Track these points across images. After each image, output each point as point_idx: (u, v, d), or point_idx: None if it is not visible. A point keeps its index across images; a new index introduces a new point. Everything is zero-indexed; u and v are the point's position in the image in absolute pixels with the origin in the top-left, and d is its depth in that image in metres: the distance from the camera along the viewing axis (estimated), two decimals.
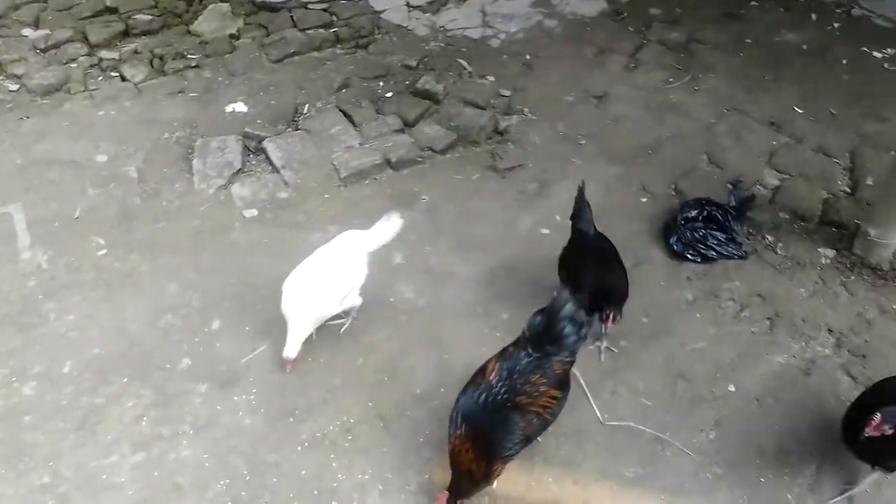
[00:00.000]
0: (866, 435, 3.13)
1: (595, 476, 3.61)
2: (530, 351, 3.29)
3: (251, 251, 4.58)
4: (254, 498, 3.47)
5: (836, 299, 4.44)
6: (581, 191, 4.03)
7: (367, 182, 5.13)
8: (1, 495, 3.43)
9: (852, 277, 4.55)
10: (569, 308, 3.27)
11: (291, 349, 3.81)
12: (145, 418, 3.75)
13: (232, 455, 3.62)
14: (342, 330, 4.13)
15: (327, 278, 3.84)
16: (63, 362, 3.98)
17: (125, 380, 3.90)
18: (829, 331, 4.27)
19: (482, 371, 3.34)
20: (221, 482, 3.52)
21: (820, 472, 3.64)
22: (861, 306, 4.40)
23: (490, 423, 3.19)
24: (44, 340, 4.08)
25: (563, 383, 3.38)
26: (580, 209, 4.03)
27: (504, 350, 3.38)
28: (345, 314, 4.12)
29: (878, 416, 3.10)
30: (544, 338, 3.29)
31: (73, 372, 3.94)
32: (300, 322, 3.81)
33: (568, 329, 3.27)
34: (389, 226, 4.06)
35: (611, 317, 3.87)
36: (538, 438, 3.55)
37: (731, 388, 3.99)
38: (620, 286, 3.99)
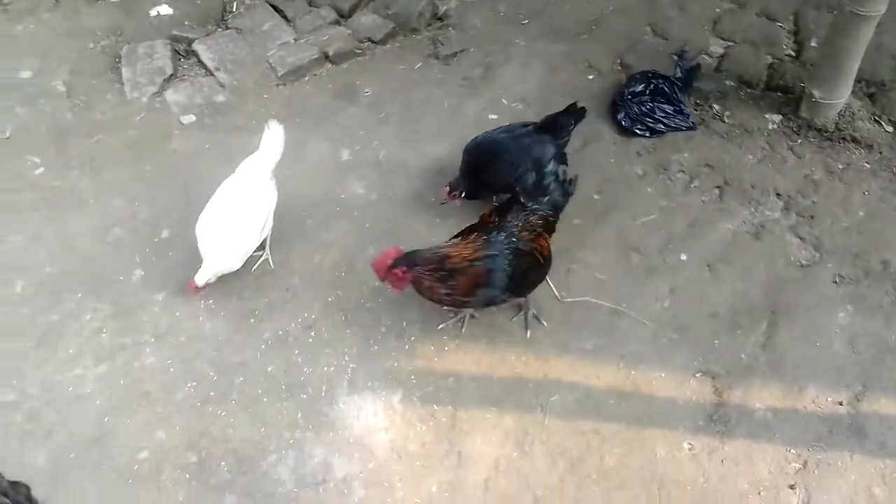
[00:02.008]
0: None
1: (556, 351, 3.71)
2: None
3: (194, 158, 4.46)
4: (223, 397, 3.51)
5: (783, 163, 4.50)
6: (572, 111, 4.14)
7: (306, 79, 4.96)
8: None
9: (799, 141, 4.61)
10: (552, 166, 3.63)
11: (202, 278, 3.66)
12: (105, 330, 3.72)
13: (197, 359, 3.63)
14: (254, 268, 3.97)
15: (242, 212, 3.69)
16: (14, 283, 3.89)
17: (79, 295, 3.84)
18: (777, 195, 4.35)
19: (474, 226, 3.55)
20: (189, 385, 3.54)
21: (772, 330, 3.78)
22: (808, 168, 4.47)
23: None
24: None
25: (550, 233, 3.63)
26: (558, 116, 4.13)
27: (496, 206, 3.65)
28: (261, 247, 3.97)
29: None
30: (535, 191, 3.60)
31: (25, 292, 3.86)
32: (221, 263, 3.67)
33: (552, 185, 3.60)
34: (274, 137, 3.84)
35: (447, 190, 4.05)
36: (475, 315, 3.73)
37: (684, 256, 4.07)
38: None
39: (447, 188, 4.04)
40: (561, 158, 3.94)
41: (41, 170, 4.44)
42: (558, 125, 4.10)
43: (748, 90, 4.90)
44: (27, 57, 5.04)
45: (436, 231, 4.03)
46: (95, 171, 4.41)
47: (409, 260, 3.19)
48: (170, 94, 4.83)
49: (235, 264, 3.77)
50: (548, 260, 3.60)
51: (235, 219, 3.70)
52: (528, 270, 3.48)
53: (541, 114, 4.48)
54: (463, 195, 4.05)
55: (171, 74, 4.93)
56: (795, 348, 3.72)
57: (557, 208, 3.70)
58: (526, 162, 3.98)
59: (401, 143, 4.59)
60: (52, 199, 4.28)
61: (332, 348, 3.68)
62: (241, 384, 3.55)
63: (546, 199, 3.66)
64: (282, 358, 3.64)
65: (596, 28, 5.30)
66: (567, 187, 3.83)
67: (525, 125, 4.14)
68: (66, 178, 4.38)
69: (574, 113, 4.14)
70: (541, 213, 3.57)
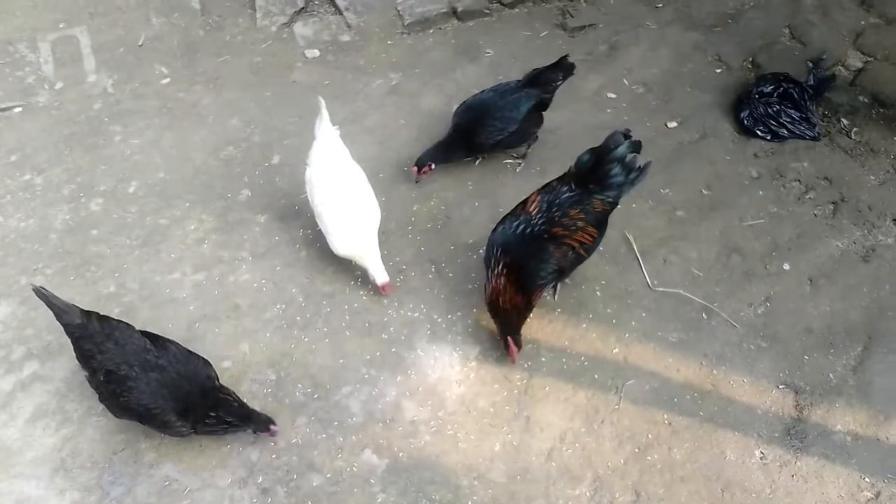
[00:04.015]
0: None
1: (638, 336, 3.67)
2: (573, 186, 3.31)
3: (313, 92, 4.51)
4: (308, 323, 3.62)
5: None
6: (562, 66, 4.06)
7: (431, 31, 5.00)
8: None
9: None
10: (622, 150, 3.23)
11: (381, 274, 3.61)
12: (207, 242, 3.88)
13: (289, 283, 3.75)
14: None
15: (358, 196, 3.63)
16: (129, 183, 4.09)
17: (188, 204, 4.02)
18: (895, 221, 4.15)
19: (523, 203, 3.40)
20: (278, 306, 3.66)
21: (866, 355, 3.63)
22: None
23: (527, 253, 3.28)
24: (110, 161, 4.20)
25: (601, 223, 3.40)
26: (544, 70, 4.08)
27: (548, 184, 3.41)
28: None
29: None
30: (589, 175, 3.30)
31: (138, 192, 4.06)
32: (370, 248, 3.62)
33: (616, 170, 3.26)
34: (324, 110, 3.69)
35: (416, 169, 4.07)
36: (567, 280, 3.69)
37: (786, 266, 3.95)
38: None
39: (415, 167, 4.05)
40: (633, 147, 3.31)
41: (167, 80, 4.63)
42: (544, 79, 4.06)
43: (881, 109, 4.66)
44: None
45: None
46: (218, 90, 4.57)
47: (514, 339, 3.43)
48: (298, 27, 4.95)
49: (376, 241, 3.67)
50: (588, 249, 3.44)
51: (362, 208, 3.63)
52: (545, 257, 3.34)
53: (661, 99, 4.41)
54: (433, 167, 4.08)
55: (302, 8, 5.05)
56: (887, 377, 3.56)
57: (618, 196, 3.38)
58: (513, 120, 4.01)
59: None
60: (175, 109, 4.47)
61: (417, 295, 3.74)
62: (327, 314, 3.65)
63: (608, 185, 3.31)
64: (369, 297, 3.72)
65: (732, 22, 5.13)
66: (631, 175, 3.35)
67: (511, 83, 4.12)
68: (190, 92, 4.56)
69: (563, 68, 4.05)
70: (597, 199, 3.32)
